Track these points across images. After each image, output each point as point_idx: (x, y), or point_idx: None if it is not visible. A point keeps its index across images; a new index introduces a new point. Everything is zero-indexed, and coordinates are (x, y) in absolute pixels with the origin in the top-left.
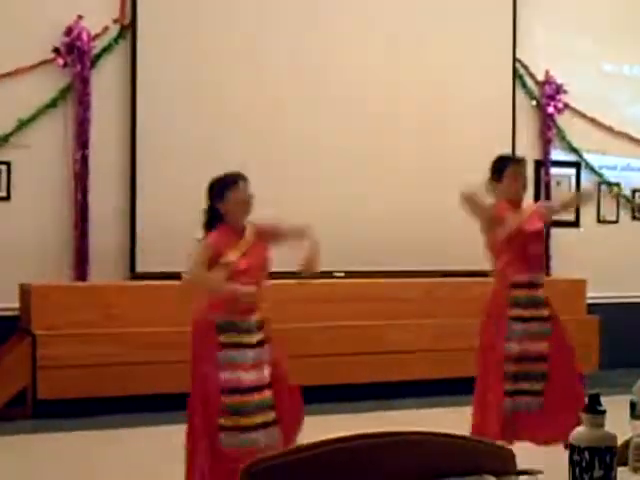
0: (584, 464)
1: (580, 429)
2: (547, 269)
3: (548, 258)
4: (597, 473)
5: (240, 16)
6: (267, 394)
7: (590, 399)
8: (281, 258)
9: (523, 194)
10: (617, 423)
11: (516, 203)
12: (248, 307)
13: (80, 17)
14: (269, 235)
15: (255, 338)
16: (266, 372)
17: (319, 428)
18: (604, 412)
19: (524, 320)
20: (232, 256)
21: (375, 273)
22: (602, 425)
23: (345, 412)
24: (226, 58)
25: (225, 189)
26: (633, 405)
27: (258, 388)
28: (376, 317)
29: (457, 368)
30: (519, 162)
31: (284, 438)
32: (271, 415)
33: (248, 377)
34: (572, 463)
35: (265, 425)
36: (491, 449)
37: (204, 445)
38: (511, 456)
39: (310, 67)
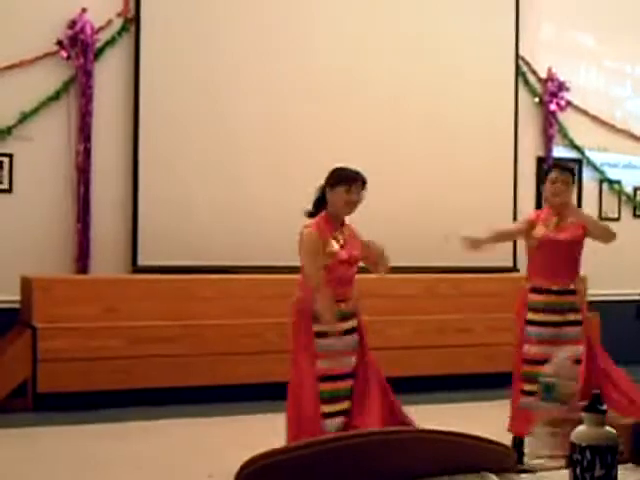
0: (585, 463)
1: (581, 428)
2: None
3: None
4: (598, 472)
5: (244, 10)
6: (350, 383)
7: (592, 398)
8: (285, 253)
9: (558, 201)
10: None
11: (556, 209)
12: (343, 297)
13: (84, 10)
14: (362, 244)
15: (345, 326)
16: (353, 360)
17: None
18: (605, 411)
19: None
20: (334, 246)
21: None
22: (603, 424)
23: None
24: (229, 51)
25: (339, 183)
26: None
27: (345, 376)
28: (377, 313)
29: (458, 364)
30: (560, 168)
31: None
32: (346, 404)
33: (337, 364)
34: (573, 462)
35: (340, 413)
36: (491, 447)
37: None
38: (511, 454)
39: (315, 63)
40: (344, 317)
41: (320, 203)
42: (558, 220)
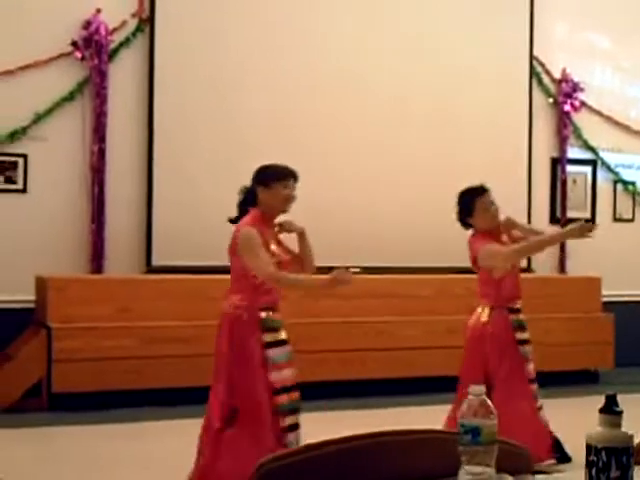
0: (601, 464)
1: (597, 429)
2: (562, 267)
3: (563, 256)
4: (614, 473)
5: (257, 10)
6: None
7: (607, 399)
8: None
9: (499, 221)
10: (633, 422)
11: (495, 232)
12: (278, 304)
13: (98, 11)
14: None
15: (282, 336)
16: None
17: (331, 424)
18: (621, 412)
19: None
20: (274, 246)
21: (388, 269)
22: (619, 425)
23: (357, 408)
24: (243, 51)
25: (274, 179)
26: None
27: (294, 387)
28: (389, 313)
29: None
30: (484, 192)
31: None
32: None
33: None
34: (589, 463)
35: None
36: (507, 448)
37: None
38: (527, 455)
39: (326, 64)
40: (280, 327)
41: (245, 206)
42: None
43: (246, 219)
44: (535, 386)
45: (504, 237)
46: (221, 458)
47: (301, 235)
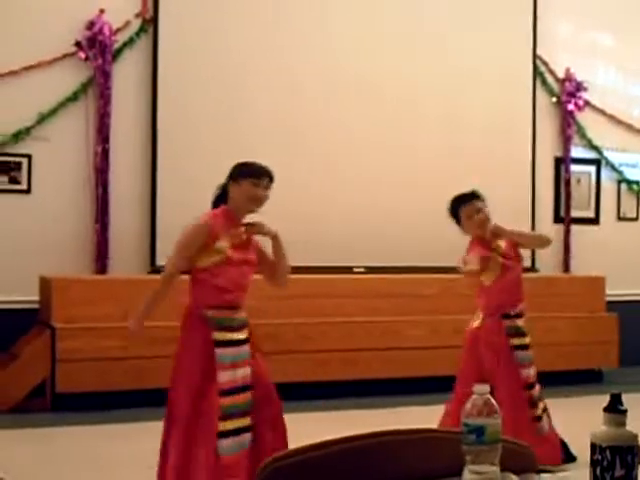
0: (605, 463)
1: (601, 428)
2: (566, 266)
3: (568, 255)
4: (618, 472)
5: (260, 10)
6: (249, 396)
7: (611, 398)
8: (301, 253)
9: (487, 229)
10: (638, 421)
11: (486, 240)
12: (236, 304)
13: (102, 11)
14: (259, 252)
15: (240, 336)
16: (249, 371)
17: (334, 423)
18: (625, 411)
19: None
20: (225, 243)
21: (393, 269)
22: (623, 424)
23: (361, 408)
24: (247, 52)
25: (245, 176)
26: None
27: (244, 389)
28: (394, 313)
29: None
30: (471, 199)
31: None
32: (247, 420)
33: (238, 375)
34: (593, 462)
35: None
36: (512, 447)
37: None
38: (532, 454)
39: (333, 66)
40: (239, 326)
41: (219, 202)
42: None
43: (207, 213)
44: (534, 391)
45: (501, 243)
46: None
47: (274, 239)
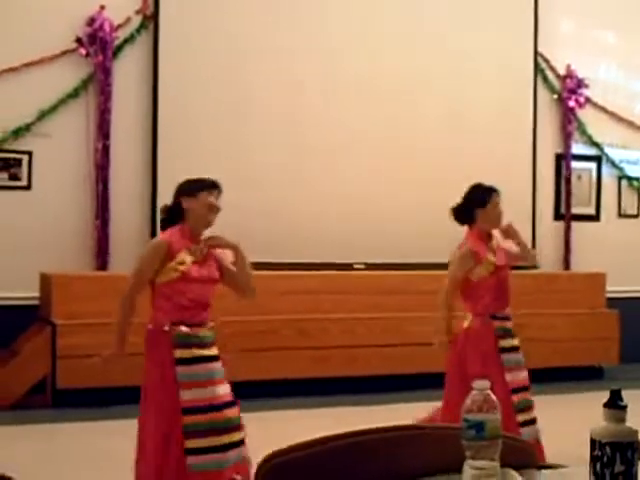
0: (605, 459)
1: (601, 424)
2: (567, 263)
3: (568, 252)
4: (618, 468)
5: (261, 6)
6: (234, 412)
7: (611, 394)
8: (301, 250)
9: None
10: (638, 417)
11: (489, 235)
12: (198, 321)
13: (102, 7)
14: (221, 266)
15: (205, 353)
16: (227, 388)
17: (335, 420)
18: (625, 407)
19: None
20: (185, 259)
21: (393, 265)
22: (623, 420)
23: (363, 404)
24: (247, 48)
25: (201, 189)
26: None
27: (224, 406)
28: (395, 309)
29: None
30: (497, 192)
31: None
32: (236, 436)
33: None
34: (593, 458)
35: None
36: (512, 443)
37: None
38: (532, 450)
39: (334, 62)
40: (203, 344)
41: (169, 223)
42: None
43: (164, 233)
44: (521, 395)
45: (494, 243)
46: None
47: (235, 251)
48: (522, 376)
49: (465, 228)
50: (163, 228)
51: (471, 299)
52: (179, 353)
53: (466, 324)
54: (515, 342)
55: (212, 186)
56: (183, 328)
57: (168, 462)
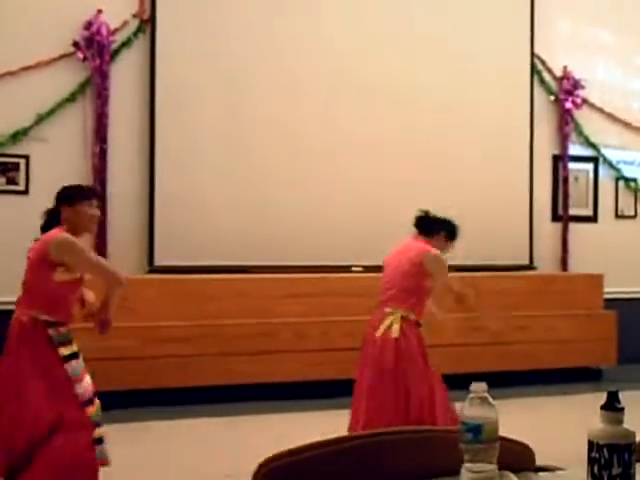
0: (603, 461)
1: (599, 426)
2: (564, 264)
3: (566, 253)
4: (616, 470)
5: (258, 9)
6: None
7: (608, 396)
8: (299, 253)
9: None
10: (636, 419)
11: None
12: (69, 318)
13: (100, 11)
14: None
15: (66, 352)
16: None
17: (333, 423)
18: (622, 409)
19: None
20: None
21: None
22: (621, 422)
23: None
24: (244, 52)
25: (81, 199)
26: None
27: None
28: None
29: (474, 363)
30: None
31: None
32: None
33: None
34: (591, 460)
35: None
36: (510, 445)
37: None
38: (530, 453)
39: (331, 63)
40: (68, 341)
41: (49, 227)
42: None
43: (54, 230)
44: None
45: None
46: None
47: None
48: None
49: (414, 236)
50: (43, 231)
51: (421, 301)
52: (64, 350)
53: (396, 331)
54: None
55: (93, 194)
56: (63, 327)
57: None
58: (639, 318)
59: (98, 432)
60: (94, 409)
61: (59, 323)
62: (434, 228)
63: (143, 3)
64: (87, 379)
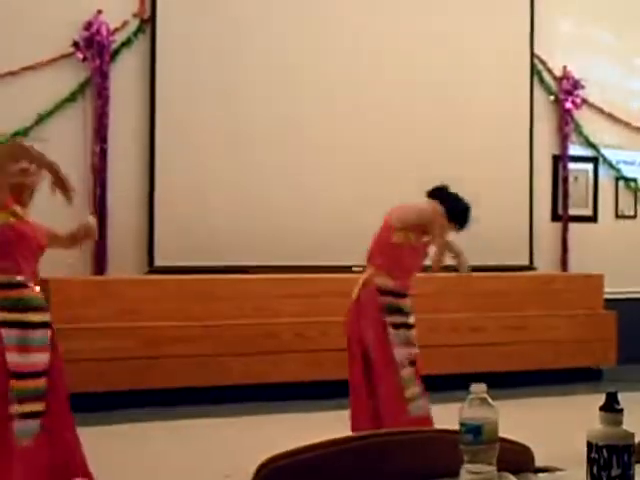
0: (602, 462)
1: (598, 427)
2: (564, 264)
3: (565, 253)
4: (615, 471)
5: (261, 11)
6: (43, 382)
7: (607, 397)
8: (299, 253)
9: None
10: (637, 419)
11: None
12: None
13: (99, 11)
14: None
15: (35, 318)
16: (47, 357)
17: (334, 423)
18: (621, 410)
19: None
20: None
21: None
22: (620, 423)
23: None
24: (245, 51)
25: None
26: None
27: (37, 374)
28: None
29: (471, 363)
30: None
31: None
32: (40, 406)
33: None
34: (590, 461)
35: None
36: (509, 446)
37: None
38: (529, 453)
39: (331, 63)
40: (37, 307)
41: None
42: None
43: None
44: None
45: None
46: None
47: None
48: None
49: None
50: None
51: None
52: (5, 316)
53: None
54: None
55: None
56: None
57: None
58: (639, 318)
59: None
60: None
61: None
62: (436, 197)
63: (143, 3)
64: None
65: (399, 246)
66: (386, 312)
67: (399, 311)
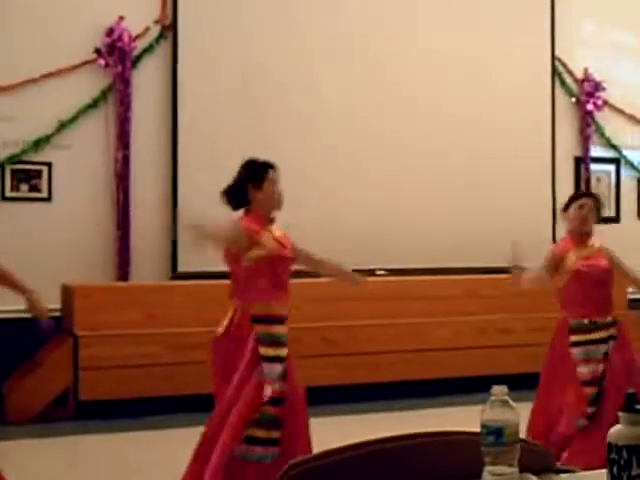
0: (622, 462)
1: (618, 427)
2: None
3: None
4: (635, 471)
5: (282, 14)
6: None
7: (627, 398)
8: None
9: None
10: None
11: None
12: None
13: (121, 18)
14: None
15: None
16: None
17: (361, 427)
18: None
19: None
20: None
21: (416, 271)
22: (639, 423)
23: (387, 410)
24: (267, 56)
25: (264, 176)
26: None
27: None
28: (417, 315)
29: (499, 365)
30: (581, 197)
31: None
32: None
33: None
34: (610, 461)
35: None
36: (531, 447)
37: None
38: (551, 454)
39: (354, 66)
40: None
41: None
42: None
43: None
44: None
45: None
46: None
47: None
48: None
49: None
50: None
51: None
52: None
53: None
54: None
55: (270, 170)
56: None
57: None
58: None
59: None
60: None
61: None
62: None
63: (165, 9)
64: None
65: None
66: None
67: None
